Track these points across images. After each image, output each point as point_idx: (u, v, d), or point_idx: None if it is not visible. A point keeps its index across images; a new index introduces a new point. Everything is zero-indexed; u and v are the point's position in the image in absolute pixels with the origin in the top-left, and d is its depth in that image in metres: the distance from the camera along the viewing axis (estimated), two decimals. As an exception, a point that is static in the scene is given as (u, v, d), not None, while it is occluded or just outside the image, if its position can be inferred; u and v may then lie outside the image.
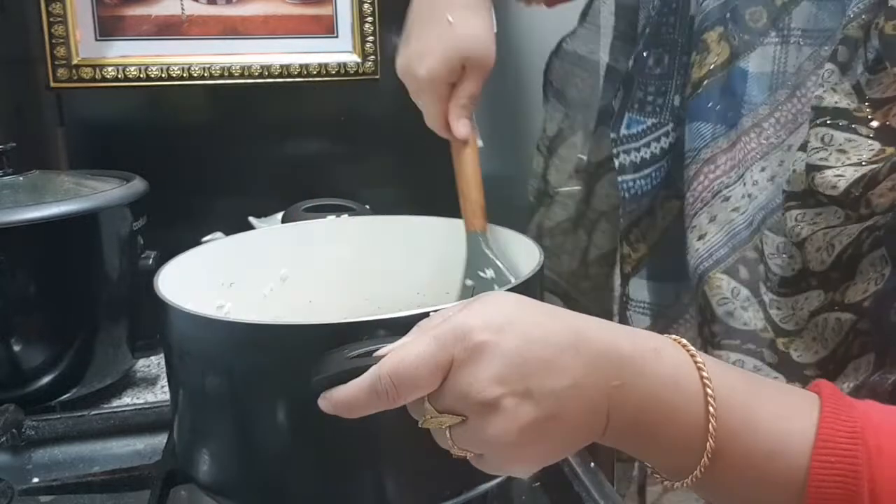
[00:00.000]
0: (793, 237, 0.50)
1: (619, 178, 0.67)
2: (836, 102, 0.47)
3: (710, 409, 0.37)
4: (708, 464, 0.37)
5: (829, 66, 0.48)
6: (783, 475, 0.36)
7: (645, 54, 0.65)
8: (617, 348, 0.38)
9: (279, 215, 1.01)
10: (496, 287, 0.61)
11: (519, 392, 0.37)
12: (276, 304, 0.67)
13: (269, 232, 0.75)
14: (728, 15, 0.56)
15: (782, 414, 0.38)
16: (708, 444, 0.37)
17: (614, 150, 0.67)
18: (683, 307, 0.66)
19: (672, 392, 0.38)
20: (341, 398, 0.40)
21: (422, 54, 0.60)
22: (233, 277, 0.64)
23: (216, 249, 0.65)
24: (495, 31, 0.62)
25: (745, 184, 0.55)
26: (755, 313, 0.53)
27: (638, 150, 0.66)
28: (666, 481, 0.40)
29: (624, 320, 0.70)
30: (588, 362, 0.37)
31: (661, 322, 0.69)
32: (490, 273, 0.62)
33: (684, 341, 0.40)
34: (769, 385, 0.40)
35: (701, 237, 0.57)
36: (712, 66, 0.57)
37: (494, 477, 0.51)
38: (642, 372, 0.38)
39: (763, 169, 0.54)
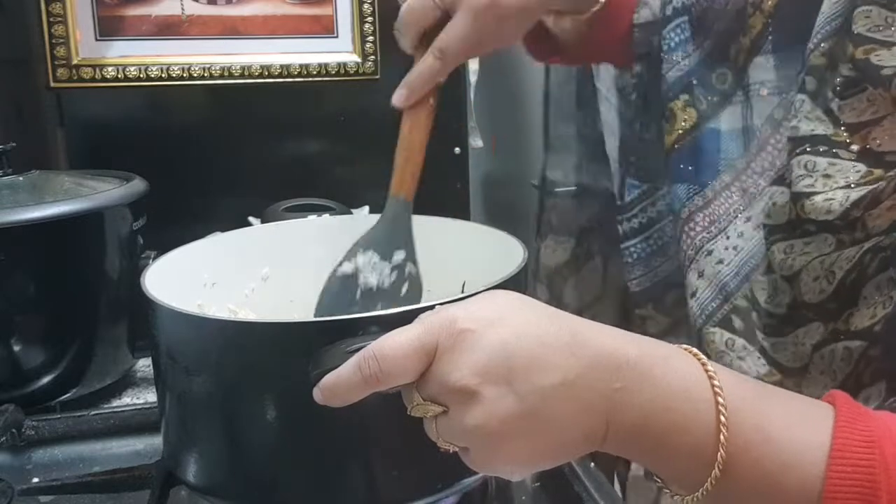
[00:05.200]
0: (783, 270, 0.50)
1: (623, 245, 0.67)
2: (812, 130, 0.48)
3: (722, 418, 0.36)
4: (719, 475, 0.36)
5: (799, 96, 0.49)
6: (797, 486, 0.36)
7: (637, 121, 0.66)
8: (619, 353, 0.38)
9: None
10: (408, 270, 0.59)
11: (500, 383, 0.37)
12: (257, 304, 0.66)
13: (252, 231, 0.75)
14: (694, 81, 0.58)
15: (796, 424, 0.37)
16: (719, 454, 0.36)
17: (618, 218, 0.68)
18: None
19: (682, 400, 0.37)
20: (329, 382, 0.40)
21: None
22: (215, 277, 0.64)
23: (200, 249, 0.65)
24: None
25: (728, 237, 0.55)
26: (755, 360, 0.53)
27: (636, 215, 0.67)
28: (676, 495, 0.39)
29: None
30: (584, 364, 0.37)
31: None
32: (401, 255, 0.59)
33: (695, 350, 0.39)
34: (782, 395, 0.39)
35: (693, 294, 0.57)
36: (680, 132, 0.58)
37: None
38: (648, 377, 0.37)
39: (748, 219, 0.54)
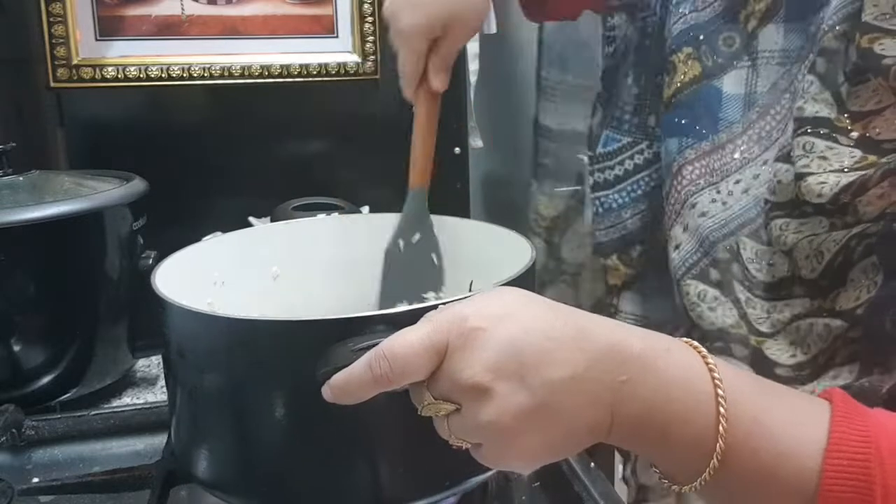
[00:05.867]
0: (780, 245, 0.51)
1: (593, 195, 0.68)
2: (816, 112, 0.48)
3: (721, 409, 0.37)
4: (717, 466, 0.37)
5: (809, 77, 0.49)
6: (794, 479, 0.36)
7: (625, 75, 0.66)
8: (624, 346, 0.38)
9: (279, 215, 1.01)
10: (426, 251, 0.64)
11: (512, 379, 0.37)
12: (267, 303, 0.67)
13: (262, 230, 0.75)
14: (701, 37, 0.58)
15: (794, 418, 0.37)
16: (718, 445, 0.36)
17: (589, 168, 0.69)
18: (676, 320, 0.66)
19: (682, 391, 0.37)
20: (340, 380, 0.40)
21: (410, 4, 0.61)
22: (225, 276, 0.64)
23: (210, 248, 0.65)
24: None
25: (718, 192, 0.56)
26: (727, 311, 0.54)
27: (612, 167, 0.67)
28: (675, 485, 0.39)
29: None
30: (591, 357, 0.37)
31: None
32: (417, 236, 0.65)
33: (695, 343, 0.39)
34: (780, 390, 0.40)
35: (676, 247, 0.58)
36: (679, 84, 0.59)
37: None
38: (652, 370, 0.38)
39: (738, 181, 0.56)
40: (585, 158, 0.91)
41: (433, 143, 0.66)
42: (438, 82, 0.64)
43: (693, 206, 0.56)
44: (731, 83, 0.56)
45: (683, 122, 0.59)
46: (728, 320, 0.54)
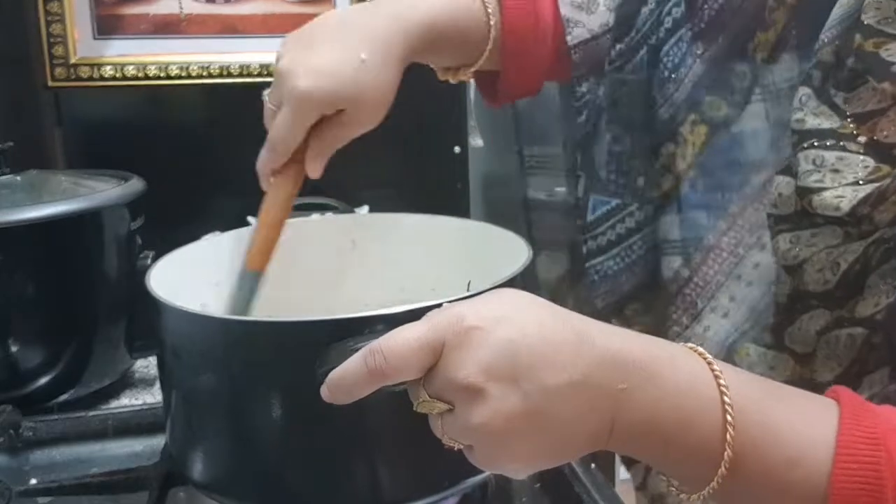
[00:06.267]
0: (787, 260, 0.50)
1: (587, 265, 0.66)
2: (819, 124, 0.47)
3: (728, 416, 0.36)
4: (726, 474, 0.36)
5: (804, 90, 0.49)
6: (804, 484, 0.36)
7: (602, 137, 0.65)
8: (625, 353, 0.38)
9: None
10: None
11: (505, 381, 0.36)
12: (260, 303, 0.66)
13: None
14: (704, 92, 0.56)
15: (802, 421, 0.37)
16: (726, 453, 0.36)
17: (582, 238, 0.67)
18: None
19: (687, 399, 0.37)
20: (335, 377, 0.40)
21: (315, 71, 0.55)
22: (219, 276, 0.64)
23: (204, 248, 0.65)
24: (395, 89, 0.58)
25: (758, 252, 0.54)
26: (784, 370, 0.53)
27: (604, 233, 0.65)
28: (683, 493, 0.39)
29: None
30: (590, 363, 0.37)
31: None
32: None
33: (700, 349, 0.39)
34: (787, 393, 0.40)
35: (725, 315, 0.56)
36: (692, 157, 0.57)
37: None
38: (654, 377, 0.37)
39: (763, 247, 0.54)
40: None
41: (282, 228, 0.60)
42: (316, 168, 0.59)
43: (738, 277, 0.55)
44: (752, 118, 0.54)
45: (706, 192, 0.57)
46: (786, 373, 0.53)
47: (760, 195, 0.54)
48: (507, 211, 1.31)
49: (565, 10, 0.65)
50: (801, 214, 0.49)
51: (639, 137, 0.62)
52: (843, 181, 0.46)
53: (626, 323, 0.66)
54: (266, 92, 0.60)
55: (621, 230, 0.64)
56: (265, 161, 0.60)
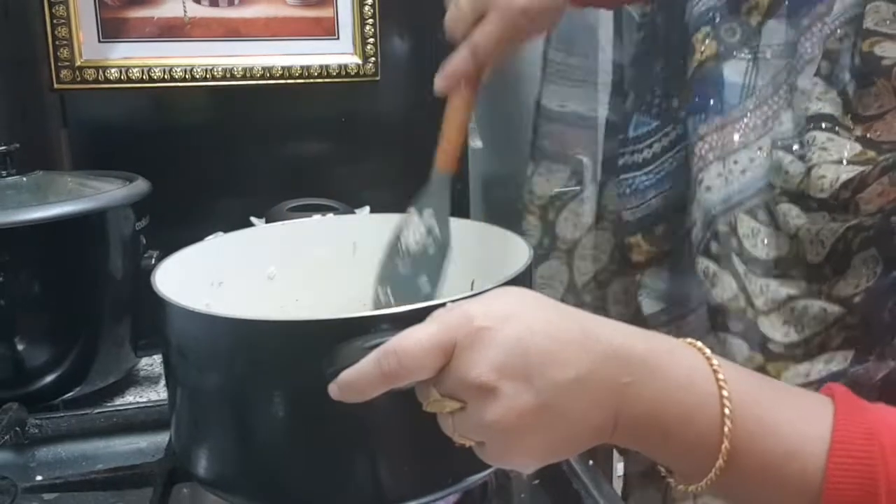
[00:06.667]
0: (786, 229, 0.52)
1: (622, 176, 0.69)
2: (820, 109, 0.49)
3: (726, 410, 0.37)
4: (723, 465, 0.37)
5: (815, 79, 0.50)
6: (799, 477, 0.37)
7: (654, 60, 0.68)
8: (628, 348, 0.38)
9: (281, 215, 1.02)
10: (436, 232, 0.62)
11: (518, 379, 0.37)
12: (263, 303, 0.67)
13: (257, 231, 0.76)
14: (717, 19, 0.60)
15: (798, 416, 0.38)
16: (723, 445, 0.37)
17: (620, 151, 0.69)
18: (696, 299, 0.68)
19: (687, 392, 0.38)
20: (348, 378, 0.40)
21: None
22: (222, 276, 0.65)
23: (208, 248, 0.65)
24: None
25: (723, 167, 0.59)
26: (726, 285, 0.56)
27: (641, 150, 0.69)
28: (681, 485, 0.40)
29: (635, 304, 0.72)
30: (595, 359, 0.38)
31: (675, 309, 0.71)
32: (429, 213, 0.62)
33: (700, 344, 0.40)
34: (785, 389, 0.41)
35: (693, 224, 0.61)
36: (696, 64, 0.61)
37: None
38: (656, 371, 0.38)
39: (736, 162, 0.58)
40: (585, 160, 0.92)
41: (456, 129, 0.62)
42: (490, 74, 0.59)
43: (701, 181, 0.58)
44: (730, 72, 0.58)
45: (699, 99, 0.61)
46: (727, 294, 0.55)
47: (719, 132, 0.59)
48: (508, 211, 1.31)
49: None
50: (801, 195, 0.51)
51: (677, 63, 0.65)
52: (828, 158, 0.48)
53: (653, 242, 0.69)
54: None
55: (657, 149, 0.68)
56: (462, 64, 0.58)
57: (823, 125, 0.49)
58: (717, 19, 0.60)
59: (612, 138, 0.82)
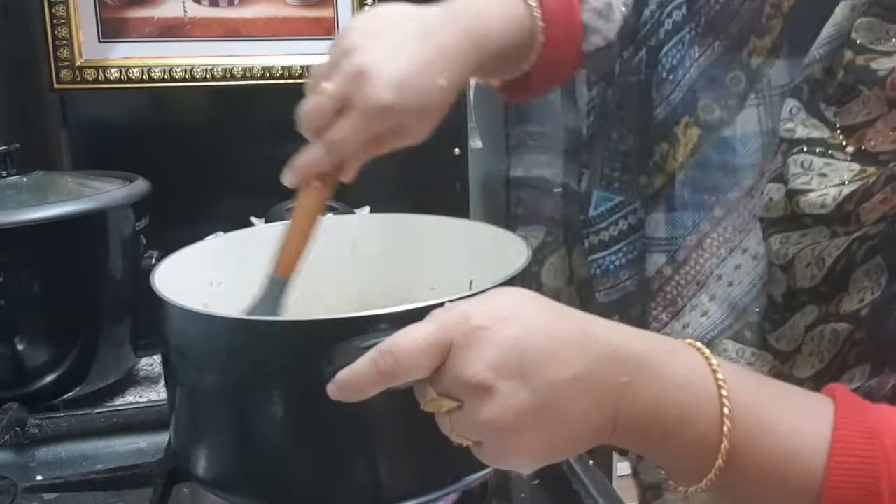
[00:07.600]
0: (779, 259, 0.51)
1: (590, 258, 0.67)
2: (808, 134, 0.48)
3: (725, 409, 0.37)
4: (723, 466, 0.37)
5: (793, 101, 0.49)
6: (799, 478, 0.36)
7: (609, 137, 0.66)
8: (627, 348, 0.38)
9: (281, 215, 1.02)
10: None
11: (515, 378, 0.37)
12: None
13: (256, 231, 0.76)
14: (699, 95, 0.57)
15: (798, 417, 0.38)
16: (723, 445, 0.37)
17: (584, 232, 0.67)
18: None
19: (686, 392, 0.38)
20: (345, 377, 0.40)
21: (399, 85, 0.52)
22: (221, 276, 0.65)
23: (207, 249, 0.65)
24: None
25: (743, 251, 0.55)
26: (761, 366, 0.54)
27: (606, 228, 0.65)
28: (680, 485, 0.40)
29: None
30: (594, 359, 0.38)
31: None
32: None
33: (699, 345, 0.40)
34: (784, 389, 0.40)
35: (704, 314, 0.57)
36: (683, 157, 0.57)
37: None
38: (655, 371, 0.38)
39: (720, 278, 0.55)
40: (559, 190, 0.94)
41: (300, 231, 0.57)
42: (352, 174, 0.56)
43: (719, 277, 0.56)
44: (745, 123, 0.55)
45: (695, 192, 0.57)
46: (765, 368, 0.54)
47: (746, 199, 0.54)
48: (502, 211, 1.32)
49: (587, 17, 0.65)
50: (790, 218, 0.50)
51: (641, 137, 0.63)
52: (829, 183, 0.47)
53: (632, 323, 0.67)
54: (316, 75, 0.55)
55: (623, 226, 0.65)
56: (316, 161, 0.55)
57: (817, 150, 0.48)
58: (699, 95, 0.56)
59: (571, 204, 0.79)
